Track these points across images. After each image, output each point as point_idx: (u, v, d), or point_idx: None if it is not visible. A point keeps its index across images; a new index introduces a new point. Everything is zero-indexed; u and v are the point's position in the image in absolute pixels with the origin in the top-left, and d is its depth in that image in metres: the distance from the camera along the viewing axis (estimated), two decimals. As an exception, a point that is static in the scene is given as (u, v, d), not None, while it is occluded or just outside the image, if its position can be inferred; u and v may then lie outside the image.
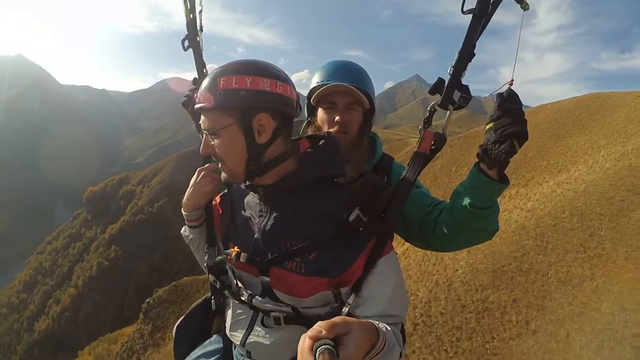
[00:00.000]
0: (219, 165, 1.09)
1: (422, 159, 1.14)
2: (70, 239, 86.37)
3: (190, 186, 1.28)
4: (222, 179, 1.11)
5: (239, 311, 1.18)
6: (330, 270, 1.01)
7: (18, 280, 77.92)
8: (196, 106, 1.04)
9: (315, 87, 1.48)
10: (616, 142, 19.48)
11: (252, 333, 1.13)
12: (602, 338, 6.80)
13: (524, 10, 1.09)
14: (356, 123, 1.46)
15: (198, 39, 1.54)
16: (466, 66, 1.12)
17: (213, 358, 1.31)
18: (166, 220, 75.86)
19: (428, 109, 1.19)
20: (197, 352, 1.35)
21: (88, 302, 63.48)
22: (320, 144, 1.14)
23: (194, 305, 1.45)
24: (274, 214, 1.08)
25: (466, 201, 1.15)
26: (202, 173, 1.27)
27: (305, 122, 1.58)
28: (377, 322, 0.85)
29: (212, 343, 1.36)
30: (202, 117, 1.04)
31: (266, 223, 1.09)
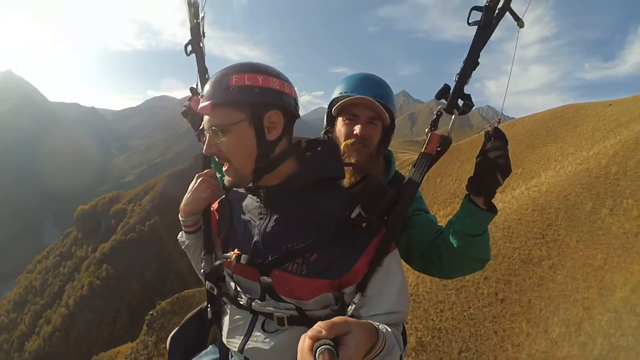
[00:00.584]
0: (224, 168, 1.06)
1: (428, 159, 1.17)
2: (61, 258, 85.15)
3: (188, 191, 1.27)
4: (225, 182, 1.08)
5: (236, 317, 1.15)
6: (332, 271, 1.00)
7: (7, 300, 76.63)
8: (203, 103, 1.00)
9: (337, 97, 1.47)
10: (583, 148, 21.57)
11: (250, 339, 1.10)
12: (558, 302, 8.41)
13: (520, 27, 1.14)
14: (376, 138, 1.45)
15: (201, 44, 1.55)
16: (470, 74, 1.16)
17: None
18: (158, 239, 75.88)
19: (435, 112, 1.22)
20: None
21: (80, 322, 62.57)
22: (319, 147, 1.13)
23: (188, 315, 1.43)
24: (275, 216, 1.07)
25: (458, 229, 1.18)
26: (201, 179, 1.26)
27: (324, 130, 1.59)
28: (377, 323, 0.85)
29: (208, 354, 1.34)
30: (208, 116, 1.02)
31: (267, 225, 1.07)
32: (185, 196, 1.27)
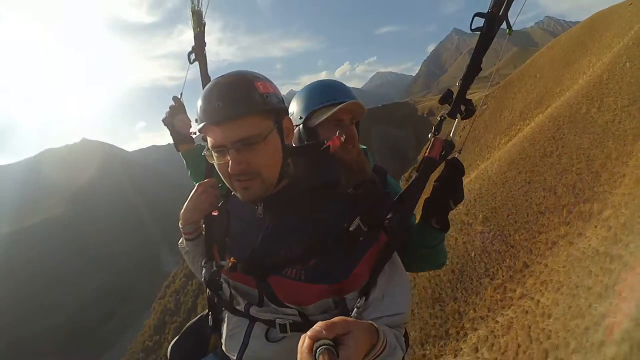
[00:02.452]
0: (247, 180, 0.99)
1: (431, 164, 1.20)
2: (187, 278, 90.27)
3: (188, 199, 1.26)
4: (247, 198, 1.02)
5: (234, 324, 1.14)
6: (331, 276, 0.98)
7: (148, 326, 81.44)
8: (231, 113, 0.93)
9: (319, 108, 1.45)
10: (604, 57, 27.32)
11: (248, 346, 1.09)
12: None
13: (509, 35, 1.21)
14: (357, 135, 1.49)
15: (204, 52, 1.58)
16: (473, 80, 1.20)
17: None
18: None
19: (438, 117, 1.25)
20: None
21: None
22: (314, 152, 1.12)
23: (189, 324, 1.43)
24: (273, 222, 1.06)
25: (417, 240, 1.29)
26: (201, 189, 1.24)
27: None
28: (379, 324, 0.84)
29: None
30: (234, 129, 0.94)
31: (265, 231, 1.06)
32: (185, 204, 1.25)
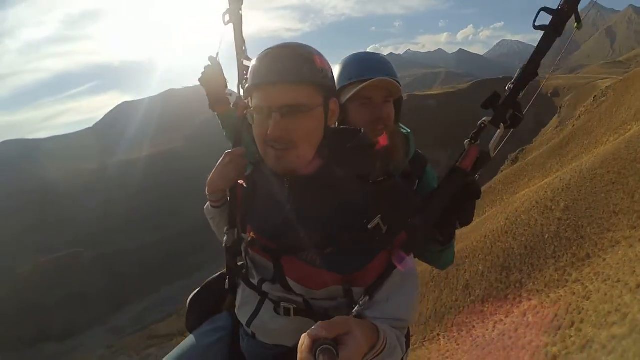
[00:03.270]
0: (282, 149, 0.97)
1: (461, 176, 1.07)
2: None
3: (215, 168, 1.25)
4: (279, 166, 0.99)
5: (248, 293, 1.17)
6: (343, 267, 0.98)
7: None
8: (286, 76, 0.92)
9: (346, 85, 1.40)
10: None
11: (257, 316, 1.12)
12: None
13: (578, 29, 1.05)
14: (392, 115, 1.42)
15: (240, 12, 1.49)
16: (527, 85, 1.06)
17: (220, 334, 1.31)
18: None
19: (478, 124, 1.10)
20: (206, 326, 1.36)
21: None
22: (350, 140, 1.06)
23: (209, 279, 1.44)
24: (298, 202, 1.04)
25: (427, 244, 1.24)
26: (229, 158, 1.23)
27: None
28: (380, 324, 0.86)
29: (222, 319, 1.35)
30: (286, 93, 0.93)
31: (288, 211, 1.05)
32: (212, 172, 1.25)
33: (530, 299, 14.11)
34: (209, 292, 1.41)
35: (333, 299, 1.03)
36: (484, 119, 1.10)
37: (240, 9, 1.51)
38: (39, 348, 61.04)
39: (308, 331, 0.67)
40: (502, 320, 14.07)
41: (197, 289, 1.43)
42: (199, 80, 1.52)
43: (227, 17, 1.51)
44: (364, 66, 1.43)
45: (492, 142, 1.08)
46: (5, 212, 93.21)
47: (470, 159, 1.07)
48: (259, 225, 1.11)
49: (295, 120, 0.95)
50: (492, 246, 17.39)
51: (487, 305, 15.69)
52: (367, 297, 0.96)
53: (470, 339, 14.67)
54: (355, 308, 0.95)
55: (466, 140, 1.10)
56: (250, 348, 1.19)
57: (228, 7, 1.51)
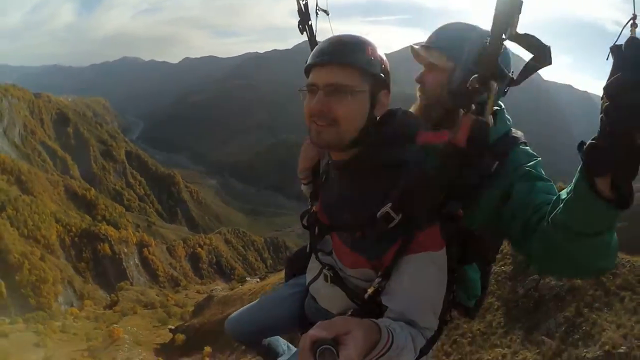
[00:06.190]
0: (324, 125, 1.01)
1: (455, 155, 0.96)
2: None
3: (301, 152, 1.40)
4: (316, 139, 1.04)
5: (313, 261, 1.35)
6: (368, 252, 1.06)
7: None
8: (335, 58, 0.99)
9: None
10: None
11: (316, 281, 1.31)
12: None
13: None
14: (436, 84, 1.21)
15: (309, 23, 1.56)
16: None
17: (297, 289, 1.58)
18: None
19: (467, 86, 0.95)
20: (292, 281, 1.66)
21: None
22: (390, 125, 1.09)
23: (303, 245, 1.60)
24: (341, 187, 1.16)
25: (560, 218, 0.81)
26: (308, 142, 1.32)
27: None
28: (389, 322, 0.86)
29: (303, 278, 1.49)
30: (333, 72, 0.99)
31: (335, 193, 1.19)
32: (300, 156, 1.41)
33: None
34: (301, 256, 1.57)
35: (367, 280, 1.10)
36: (471, 79, 0.95)
37: (309, 21, 1.57)
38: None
39: (309, 331, 0.68)
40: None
41: (295, 251, 1.70)
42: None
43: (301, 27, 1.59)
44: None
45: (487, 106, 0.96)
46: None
47: (464, 132, 0.95)
48: (322, 202, 1.28)
49: (336, 99, 1.00)
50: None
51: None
52: (381, 279, 1.02)
53: None
54: (369, 290, 1.05)
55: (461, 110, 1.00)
56: (308, 307, 1.46)
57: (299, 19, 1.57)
